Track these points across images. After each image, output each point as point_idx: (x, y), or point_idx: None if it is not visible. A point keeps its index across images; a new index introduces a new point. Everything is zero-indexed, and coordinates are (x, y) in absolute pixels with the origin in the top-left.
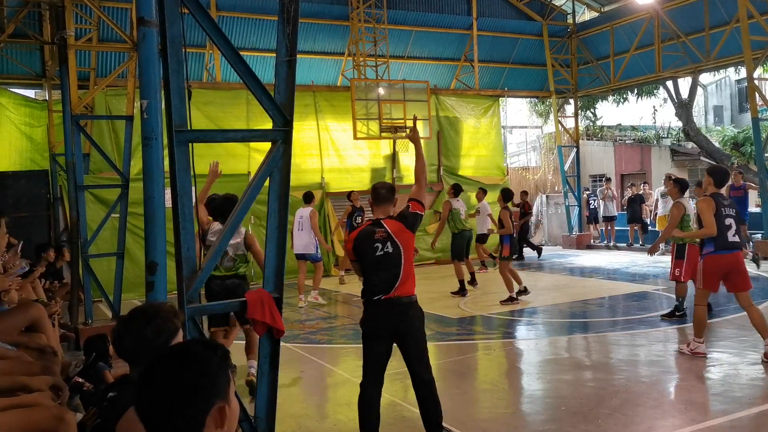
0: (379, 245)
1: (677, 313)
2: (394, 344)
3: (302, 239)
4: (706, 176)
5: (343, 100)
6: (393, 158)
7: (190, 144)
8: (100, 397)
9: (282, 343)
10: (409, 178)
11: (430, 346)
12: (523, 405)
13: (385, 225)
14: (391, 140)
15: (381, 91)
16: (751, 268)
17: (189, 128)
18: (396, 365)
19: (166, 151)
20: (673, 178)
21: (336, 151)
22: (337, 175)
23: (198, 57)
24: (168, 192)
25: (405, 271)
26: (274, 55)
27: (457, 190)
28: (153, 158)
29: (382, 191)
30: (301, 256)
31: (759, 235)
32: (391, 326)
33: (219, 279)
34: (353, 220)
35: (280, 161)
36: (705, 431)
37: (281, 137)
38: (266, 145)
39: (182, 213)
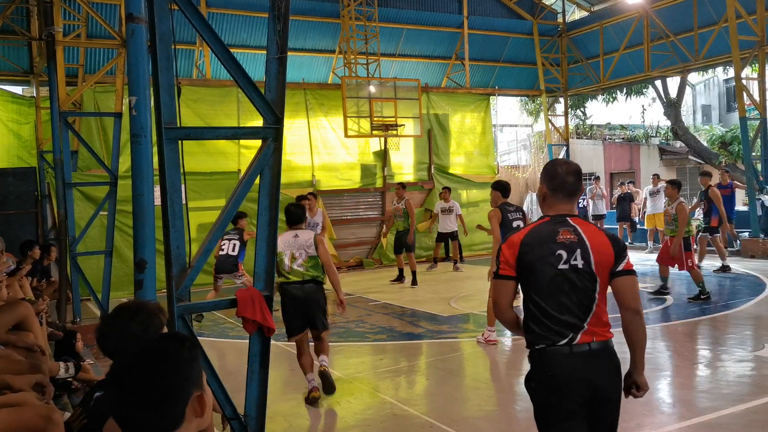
0: (564, 254)
1: (702, 297)
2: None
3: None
4: (492, 190)
5: (333, 98)
6: (384, 156)
7: (179, 141)
8: (87, 396)
9: (273, 341)
10: (399, 176)
11: (422, 343)
12: (513, 403)
13: (575, 224)
14: (382, 138)
15: (372, 89)
16: (734, 264)
17: (178, 125)
18: (387, 362)
19: (155, 149)
20: (668, 180)
21: (326, 149)
22: (327, 173)
23: (188, 54)
24: (157, 189)
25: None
26: (265, 52)
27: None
28: (142, 155)
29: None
30: None
31: (746, 234)
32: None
33: (296, 284)
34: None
35: (270, 159)
36: (693, 428)
37: (272, 135)
38: (256, 143)
39: (172, 210)
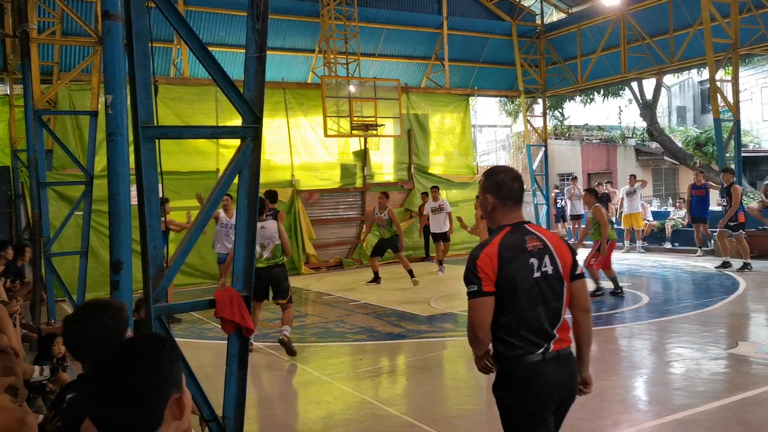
0: (536, 262)
1: (597, 294)
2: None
3: None
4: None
5: (313, 97)
6: (364, 156)
7: (156, 140)
8: (58, 398)
9: (252, 342)
10: (379, 176)
11: (402, 343)
12: (493, 402)
13: (536, 232)
14: (362, 138)
15: (352, 88)
16: (709, 264)
17: (155, 124)
18: (367, 362)
19: (131, 148)
20: (585, 189)
21: (306, 149)
22: (306, 173)
23: (165, 51)
24: (134, 189)
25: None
26: (244, 50)
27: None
28: (118, 154)
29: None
30: None
31: None
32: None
33: (263, 269)
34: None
35: (249, 158)
36: (668, 425)
37: (251, 134)
38: (235, 142)
39: (149, 210)
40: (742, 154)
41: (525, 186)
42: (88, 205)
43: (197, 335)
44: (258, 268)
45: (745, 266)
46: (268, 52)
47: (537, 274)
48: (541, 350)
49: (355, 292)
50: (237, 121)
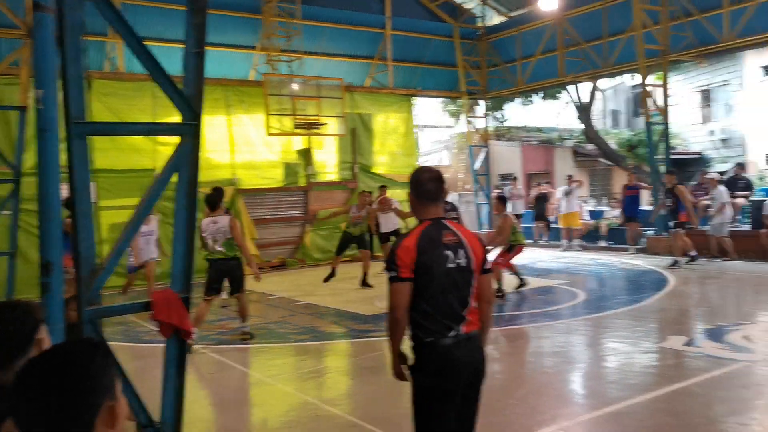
0: (450, 254)
1: (498, 294)
2: None
3: None
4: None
5: (255, 95)
6: (307, 155)
7: (88, 137)
8: None
9: (191, 345)
10: (323, 175)
11: (346, 343)
12: None
13: (453, 228)
14: (305, 137)
15: (295, 87)
16: (640, 261)
17: (88, 120)
18: (310, 363)
19: (63, 145)
20: (495, 196)
21: (248, 147)
22: (248, 172)
23: (99, 45)
24: (65, 187)
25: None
26: (182, 45)
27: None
28: (49, 151)
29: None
30: None
31: (651, 232)
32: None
33: (221, 261)
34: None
35: (188, 157)
36: (603, 417)
37: (189, 132)
38: (173, 140)
39: (80, 210)
40: (672, 156)
41: (467, 187)
42: (15, 204)
43: (132, 338)
44: (216, 260)
45: (692, 258)
46: (207, 48)
47: (451, 265)
48: (453, 333)
49: (299, 293)
50: (175, 118)
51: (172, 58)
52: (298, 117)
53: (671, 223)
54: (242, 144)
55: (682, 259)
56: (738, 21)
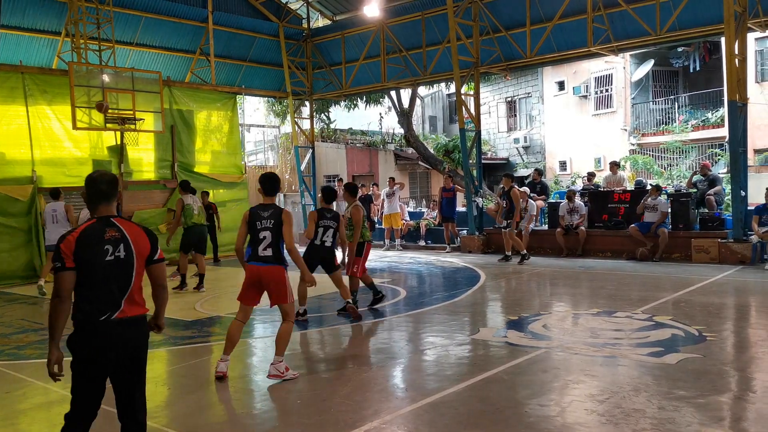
0: (110, 248)
1: (348, 307)
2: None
3: (57, 232)
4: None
5: (59, 85)
6: (121, 152)
7: None
8: None
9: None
10: (139, 174)
11: (163, 351)
12: (259, 404)
13: (119, 224)
14: (118, 132)
15: (106, 78)
16: (456, 259)
17: None
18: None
19: None
20: (344, 184)
21: (51, 142)
22: (51, 169)
23: None
24: None
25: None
26: None
27: (185, 187)
28: None
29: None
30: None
31: (465, 231)
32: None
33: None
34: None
35: None
36: (422, 408)
37: None
38: None
39: None
40: (483, 161)
41: (293, 187)
42: None
43: None
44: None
45: (523, 257)
46: (2, 30)
47: (110, 258)
48: (105, 316)
49: None
50: None
51: None
52: (110, 111)
53: (504, 223)
54: (44, 139)
55: (516, 258)
56: (538, 40)
